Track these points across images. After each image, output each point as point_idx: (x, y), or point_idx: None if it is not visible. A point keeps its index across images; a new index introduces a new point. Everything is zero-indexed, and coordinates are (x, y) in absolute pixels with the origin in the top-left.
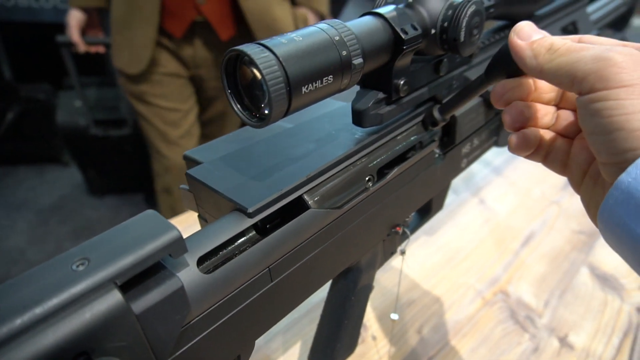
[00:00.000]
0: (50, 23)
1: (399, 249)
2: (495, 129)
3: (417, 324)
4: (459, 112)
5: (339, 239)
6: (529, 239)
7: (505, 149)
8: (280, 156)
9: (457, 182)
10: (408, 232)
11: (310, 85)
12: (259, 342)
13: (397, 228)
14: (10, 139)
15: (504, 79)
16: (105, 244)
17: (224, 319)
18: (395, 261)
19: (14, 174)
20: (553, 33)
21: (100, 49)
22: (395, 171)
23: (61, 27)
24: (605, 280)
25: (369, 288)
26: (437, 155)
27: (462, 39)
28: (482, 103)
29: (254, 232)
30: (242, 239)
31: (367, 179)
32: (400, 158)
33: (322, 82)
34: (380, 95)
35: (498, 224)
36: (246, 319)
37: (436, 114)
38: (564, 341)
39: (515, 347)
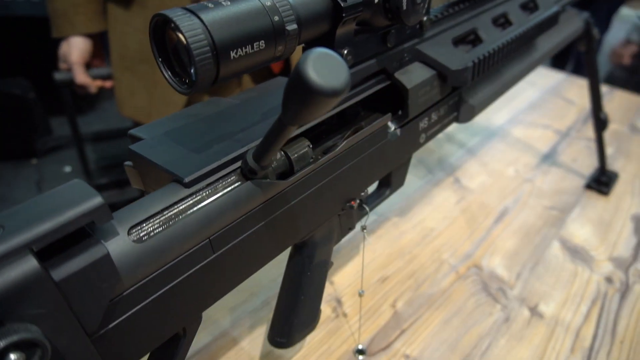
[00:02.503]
0: (23, 16)
1: (359, 225)
2: (455, 104)
3: (391, 298)
4: (410, 84)
5: (286, 212)
6: (502, 215)
7: (481, 130)
8: (224, 129)
9: (432, 162)
10: (367, 208)
11: (239, 50)
12: (224, 324)
13: (352, 202)
14: None
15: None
16: (23, 211)
17: (162, 290)
18: (371, 238)
19: None
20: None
21: (108, 84)
22: (343, 144)
23: (36, 20)
24: (575, 253)
25: (326, 264)
26: (391, 130)
27: (404, 7)
28: (436, 76)
29: (190, 202)
30: (178, 209)
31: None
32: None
33: (252, 48)
34: None
35: (472, 202)
36: (188, 291)
37: (250, 160)
38: (534, 310)
39: (487, 317)
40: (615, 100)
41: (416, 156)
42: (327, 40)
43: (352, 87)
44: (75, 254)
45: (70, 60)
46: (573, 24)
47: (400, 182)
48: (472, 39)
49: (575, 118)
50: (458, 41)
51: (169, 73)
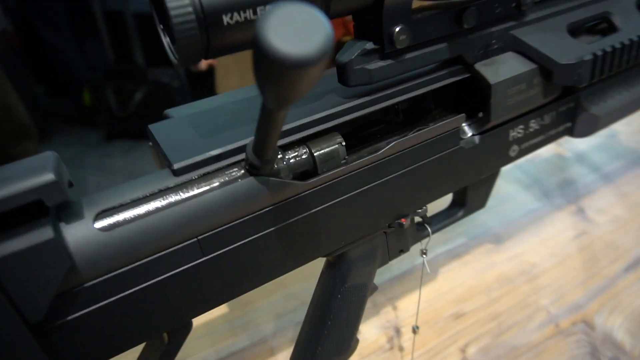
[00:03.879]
0: None
1: (421, 248)
2: (569, 112)
3: (462, 341)
4: (495, 78)
5: (305, 220)
6: (636, 263)
7: (627, 152)
8: (247, 116)
9: (551, 183)
10: (429, 229)
11: (236, 15)
12: (266, 330)
13: (403, 220)
14: (137, 117)
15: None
16: None
17: (135, 289)
18: (452, 264)
19: (139, 147)
20: None
21: (216, 62)
22: (391, 146)
23: None
24: None
25: (364, 288)
26: (467, 136)
27: None
28: (537, 72)
29: (176, 193)
30: (160, 200)
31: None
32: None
33: (255, 13)
34: (369, 45)
35: (595, 240)
36: (171, 294)
37: (249, 152)
38: None
39: None
40: None
41: (530, 172)
42: (375, 14)
43: (413, 77)
44: (18, 234)
45: None
46: None
47: (480, 203)
48: (603, 27)
49: None
50: (579, 28)
51: (168, 39)
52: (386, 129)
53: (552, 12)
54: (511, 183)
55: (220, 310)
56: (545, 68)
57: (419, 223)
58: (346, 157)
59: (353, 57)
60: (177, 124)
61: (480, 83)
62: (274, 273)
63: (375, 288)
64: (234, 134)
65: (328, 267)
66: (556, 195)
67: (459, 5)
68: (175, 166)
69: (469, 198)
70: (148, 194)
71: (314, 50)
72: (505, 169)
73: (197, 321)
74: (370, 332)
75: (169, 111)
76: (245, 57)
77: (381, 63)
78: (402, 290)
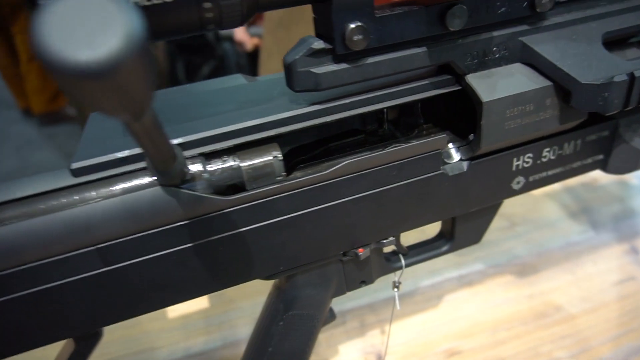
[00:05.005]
0: None
1: (394, 280)
2: (600, 142)
3: None
4: (489, 95)
5: (231, 240)
6: None
7: None
8: (189, 114)
9: (603, 215)
10: (402, 261)
11: None
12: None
13: (360, 250)
14: None
15: None
16: None
17: (27, 292)
18: (460, 293)
19: None
20: None
21: (259, 42)
22: (342, 164)
23: None
24: None
25: (312, 318)
26: (453, 160)
27: None
28: (551, 91)
29: (70, 195)
30: (50, 201)
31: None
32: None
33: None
34: (318, 44)
35: None
36: (72, 301)
37: (147, 162)
38: None
39: None
40: None
41: (582, 198)
42: (322, 6)
43: (385, 85)
44: None
45: None
46: None
47: (473, 238)
48: None
49: None
50: (619, 40)
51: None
52: (363, 141)
53: (583, 17)
54: (555, 207)
55: (200, 304)
56: (563, 87)
57: (391, 253)
58: (283, 173)
59: (297, 57)
60: None
61: (472, 99)
62: (195, 291)
63: (331, 318)
64: None
65: (275, 289)
66: (608, 229)
67: (442, 2)
68: (74, 165)
69: (458, 231)
70: (39, 193)
71: (105, 54)
72: (552, 188)
73: (173, 312)
74: (350, 353)
75: None
76: (286, 41)
77: (333, 67)
78: (397, 313)
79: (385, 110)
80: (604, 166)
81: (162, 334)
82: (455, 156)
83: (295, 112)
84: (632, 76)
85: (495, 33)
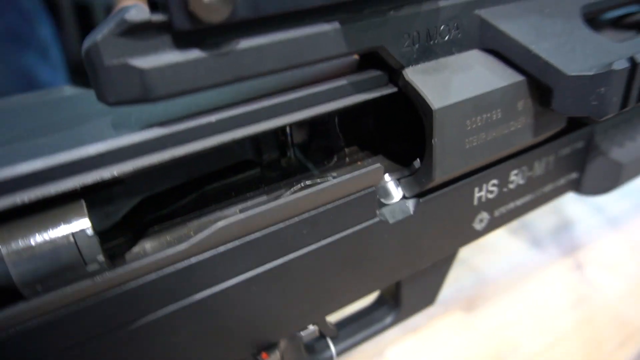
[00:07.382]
0: None
1: None
2: (573, 157)
3: None
4: (441, 100)
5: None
6: None
7: (634, 191)
8: None
9: (542, 229)
10: (332, 350)
11: None
12: None
13: (264, 355)
14: None
15: None
16: None
17: None
18: (414, 341)
19: None
20: None
21: None
22: (204, 236)
23: None
24: None
25: None
26: (394, 200)
27: None
28: (524, 89)
29: None
30: None
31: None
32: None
33: None
34: (140, 14)
35: (599, 312)
36: None
37: None
38: None
39: None
40: None
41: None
42: None
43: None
44: None
45: None
46: None
47: (426, 299)
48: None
49: None
50: (599, 18)
51: None
52: (258, 178)
53: None
54: None
55: None
56: (540, 82)
57: (315, 339)
58: (100, 256)
59: (100, 38)
60: None
61: (414, 106)
62: None
63: None
64: None
65: None
66: (549, 243)
67: None
68: None
69: (405, 294)
70: None
71: None
72: None
73: None
74: None
75: None
76: None
77: (172, 55)
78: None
79: (288, 129)
80: (578, 186)
81: None
82: (396, 194)
83: (116, 143)
84: (633, 62)
85: (442, 3)
